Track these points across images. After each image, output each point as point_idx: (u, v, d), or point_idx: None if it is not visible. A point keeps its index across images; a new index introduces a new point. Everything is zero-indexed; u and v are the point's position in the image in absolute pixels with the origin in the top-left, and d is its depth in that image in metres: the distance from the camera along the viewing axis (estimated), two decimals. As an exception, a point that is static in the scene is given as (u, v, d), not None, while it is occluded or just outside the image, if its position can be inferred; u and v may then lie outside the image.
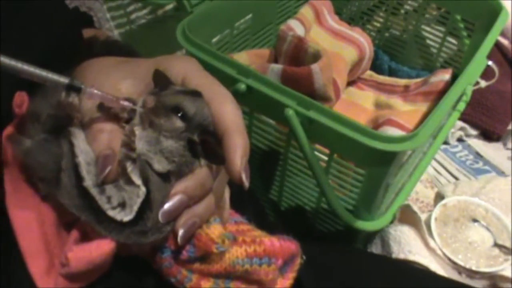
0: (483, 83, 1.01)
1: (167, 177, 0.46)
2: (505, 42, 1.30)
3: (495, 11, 0.98)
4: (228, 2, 0.95)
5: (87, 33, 0.67)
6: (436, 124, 0.74)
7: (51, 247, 0.47)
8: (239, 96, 0.76)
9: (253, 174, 0.88)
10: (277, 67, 0.90)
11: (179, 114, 0.46)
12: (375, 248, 0.85)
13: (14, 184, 0.47)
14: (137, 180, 0.45)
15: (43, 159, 0.46)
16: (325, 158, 0.78)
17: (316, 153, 0.77)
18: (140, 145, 0.46)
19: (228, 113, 0.47)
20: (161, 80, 0.49)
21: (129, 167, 0.45)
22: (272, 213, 0.92)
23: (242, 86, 0.76)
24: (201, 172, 0.47)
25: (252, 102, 0.79)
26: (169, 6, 1.09)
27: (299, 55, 0.94)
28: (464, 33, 1.11)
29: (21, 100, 0.49)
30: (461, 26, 1.11)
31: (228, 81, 0.76)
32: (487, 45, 0.89)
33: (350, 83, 1.15)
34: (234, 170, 0.45)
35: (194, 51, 0.80)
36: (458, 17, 1.10)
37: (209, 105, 0.47)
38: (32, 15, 0.56)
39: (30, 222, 0.46)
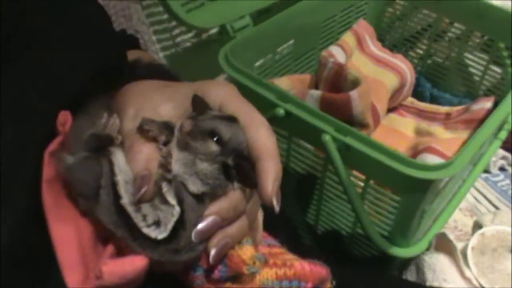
0: (525, 112, 1.00)
1: (201, 199, 0.48)
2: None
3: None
4: (271, 28, 0.97)
5: (133, 54, 0.69)
6: (473, 152, 0.74)
7: (87, 260, 0.48)
8: (277, 121, 0.78)
9: (290, 197, 0.91)
10: (316, 93, 0.91)
11: (215, 139, 0.48)
12: (410, 275, 0.85)
13: (55, 198, 0.49)
14: (172, 200, 0.47)
15: (84, 176, 0.48)
16: (361, 184, 0.78)
17: (352, 178, 0.78)
18: (177, 166, 0.48)
19: (262, 138, 0.49)
20: (199, 105, 0.51)
21: (165, 187, 0.47)
22: (309, 236, 0.93)
23: (281, 111, 0.77)
24: (234, 195, 0.49)
25: (290, 126, 0.81)
26: (213, 30, 1.12)
27: (339, 82, 0.95)
28: (508, 61, 1.11)
29: (64, 119, 0.51)
30: (504, 54, 1.11)
31: (267, 106, 0.78)
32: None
33: (391, 110, 1.16)
34: (265, 194, 0.47)
35: (235, 75, 0.82)
36: (502, 45, 1.10)
37: (245, 130, 0.49)
38: (76, 36, 0.59)
39: (68, 235, 0.48)
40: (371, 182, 0.78)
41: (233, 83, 0.85)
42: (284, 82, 0.99)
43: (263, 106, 0.78)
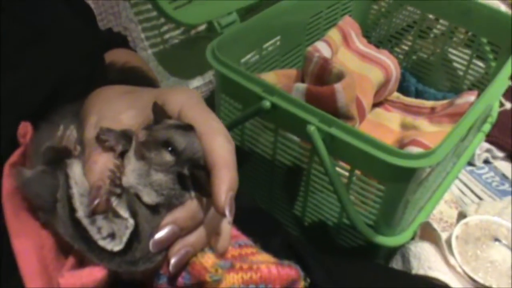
0: (508, 105, 1.02)
1: (156, 209, 0.48)
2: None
3: (520, 34, 1.00)
4: (257, 24, 0.98)
5: (113, 54, 0.70)
6: (454, 143, 0.76)
7: (49, 270, 0.49)
8: (264, 113, 0.80)
9: (277, 189, 0.92)
10: (302, 86, 0.93)
11: (169, 149, 0.48)
12: (396, 264, 0.87)
13: (16, 210, 0.50)
14: (124, 213, 0.47)
15: (40, 190, 0.49)
16: (346, 174, 0.80)
17: (338, 169, 0.79)
18: (132, 177, 0.48)
19: (218, 147, 0.48)
20: (157, 113, 0.50)
21: (114, 201, 0.47)
22: (296, 227, 0.95)
23: (267, 104, 0.79)
24: (191, 204, 0.49)
25: (276, 119, 0.82)
26: (202, 27, 1.13)
27: (323, 75, 0.97)
28: (491, 56, 1.13)
29: (25, 131, 0.52)
30: (487, 49, 1.13)
31: (254, 99, 0.80)
32: (509, 66, 0.90)
33: (377, 105, 1.17)
34: (218, 204, 0.46)
35: (222, 70, 0.83)
36: (485, 40, 1.12)
37: (201, 139, 0.48)
38: (45, 42, 0.59)
39: (29, 247, 0.48)
40: (356, 172, 0.79)
41: (220, 78, 0.87)
42: (270, 77, 1.00)
43: (250, 99, 0.81)
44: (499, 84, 0.89)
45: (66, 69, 0.60)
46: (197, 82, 1.20)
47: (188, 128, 0.49)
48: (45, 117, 0.54)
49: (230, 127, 0.88)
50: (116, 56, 0.72)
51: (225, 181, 0.46)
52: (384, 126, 1.13)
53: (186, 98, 0.52)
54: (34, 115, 0.54)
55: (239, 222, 0.56)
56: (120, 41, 0.84)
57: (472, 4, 1.10)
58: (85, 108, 0.54)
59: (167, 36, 1.12)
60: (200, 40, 1.14)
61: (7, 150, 0.52)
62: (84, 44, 0.65)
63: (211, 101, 0.94)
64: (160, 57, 1.12)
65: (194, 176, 0.48)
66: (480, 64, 1.16)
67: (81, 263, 0.49)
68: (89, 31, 0.70)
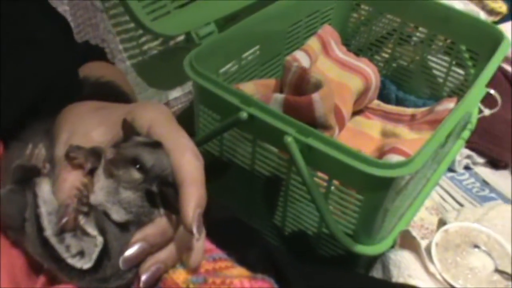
0: (487, 112, 1.03)
1: (125, 227, 0.48)
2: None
3: (497, 40, 1.00)
4: (236, 34, 0.98)
5: (89, 67, 0.69)
6: (433, 150, 0.76)
7: None
8: (242, 124, 0.80)
9: (256, 199, 0.92)
10: (280, 96, 0.93)
11: (137, 166, 0.48)
12: (376, 273, 0.87)
13: None
14: (92, 231, 0.47)
15: (9, 209, 0.49)
16: (325, 184, 0.80)
17: (316, 179, 0.79)
18: (100, 195, 0.48)
19: (186, 164, 0.48)
20: (126, 130, 0.51)
21: (82, 219, 0.47)
22: (276, 237, 0.94)
23: (244, 115, 0.79)
24: (161, 221, 0.49)
25: (254, 130, 0.82)
26: (180, 38, 1.13)
27: (301, 85, 0.97)
28: (470, 63, 1.13)
29: None
30: (466, 56, 1.13)
31: (231, 110, 0.80)
32: (486, 73, 0.91)
33: (357, 112, 1.18)
34: (185, 221, 0.47)
35: (200, 81, 0.83)
36: (464, 48, 1.13)
37: (169, 155, 0.49)
38: (30, 53, 0.59)
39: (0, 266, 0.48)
40: (334, 182, 0.79)
41: (198, 89, 0.87)
42: (248, 87, 1.00)
43: (227, 110, 0.81)
44: (477, 91, 0.89)
45: (37, 85, 0.59)
46: (176, 93, 1.19)
47: (156, 145, 0.49)
48: (15, 136, 0.54)
49: (208, 138, 0.88)
50: (91, 70, 0.72)
51: (193, 199, 0.47)
52: (365, 134, 1.13)
53: (156, 115, 0.52)
54: (6, 132, 0.54)
55: (217, 233, 0.57)
56: (98, 53, 0.83)
57: (451, 11, 1.11)
58: (57, 124, 0.54)
59: (145, 47, 1.12)
60: (179, 51, 1.14)
61: None
62: (59, 58, 0.65)
63: (191, 112, 0.94)
64: (139, 69, 1.12)
65: (163, 193, 0.48)
66: (460, 71, 1.16)
67: (52, 282, 0.49)
68: (64, 44, 0.70)
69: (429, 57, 1.21)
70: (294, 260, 0.74)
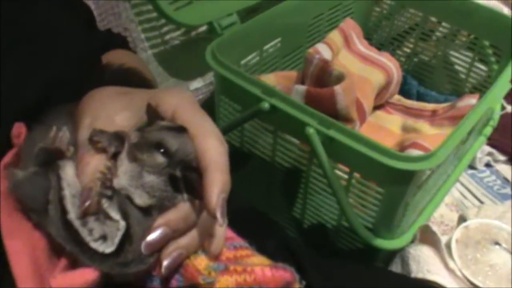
0: (509, 108, 1.02)
1: (148, 211, 0.48)
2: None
3: (521, 37, 1.00)
4: (258, 25, 0.98)
5: (112, 54, 0.69)
6: (454, 145, 0.75)
7: (42, 271, 0.48)
8: (263, 115, 0.79)
9: (276, 191, 0.91)
10: (302, 88, 0.93)
11: (161, 150, 0.48)
12: (395, 268, 0.86)
13: (9, 211, 0.50)
14: (115, 215, 0.47)
15: (32, 191, 0.49)
16: (345, 176, 0.79)
17: (337, 171, 0.79)
18: (124, 179, 0.48)
19: (210, 149, 0.47)
20: (150, 115, 0.50)
21: (105, 203, 0.47)
22: (295, 230, 0.94)
23: (266, 105, 0.78)
24: (184, 206, 0.49)
25: (275, 120, 0.82)
26: (202, 28, 1.13)
27: (323, 77, 0.97)
28: (493, 59, 1.12)
29: (18, 131, 0.52)
30: (489, 52, 1.12)
31: (253, 100, 0.79)
32: (510, 69, 0.90)
33: (378, 107, 1.17)
34: (209, 206, 0.46)
35: (222, 71, 0.83)
36: (487, 43, 1.12)
37: (194, 140, 0.48)
38: (43, 41, 0.59)
39: (21, 248, 0.48)
40: (355, 174, 0.79)
41: (219, 79, 0.87)
42: (269, 79, 1.00)
43: (249, 101, 0.81)
44: (500, 87, 0.88)
45: (57, 70, 0.59)
46: (197, 83, 1.19)
47: (180, 129, 0.49)
48: (38, 119, 0.53)
49: (229, 128, 0.88)
50: (114, 57, 0.72)
51: (217, 184, 0.46)
52: (385, 128, 1.13)
53: (180, 100, 0.51)
54: (28, 116, 0.54)
55: (236, 223, 0.56)
56: (120, 42, 0.83)
57: (474, 6, 1.10)
58: (79, 109, 0.54)
59: (167, 37, 1.12)
60: (201, 41, 1.14)
61: (1, 150, 0.52)
62: (79, 45, 0.65)
63: (211, 103, 0.94)
64: (160, 58, 1.12)
65: (186, 178, 0.48)
66: (482, 67, 1.15)
67: (73, 265, 0.49)
68: (85, 32, 0.70)
69: (452, 52, 1.20)
70: (312, 252, 0.74)
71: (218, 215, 0.46)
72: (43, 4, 0.63)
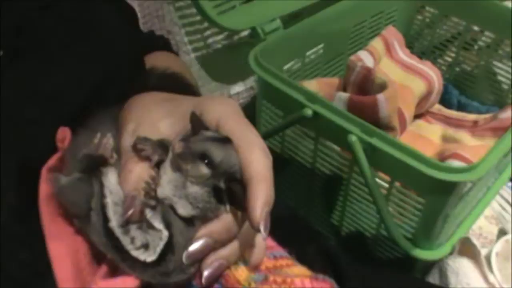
0: (554, 121, 1.00)
1: (191, 222, 0.48)
2: None
3: None
4: (300, 31, 0.98)
5: (156, 57, 0.70)
6: (497, 157, 0.75)
7: (83, 275, 0.49)
8: (305, 121, 0.80)
9: (315, 197, 0.91)
10: (344, 95, 0.93)
11: (206, 161, 0.47)
12: (433, 279, 0.86)
13: (52, 214, 0.50)
14: (158, 225, 0.47)
15: (75, 198, 0.49)
16: (386, 185, 0.79)
17: (378, 180, 0.79)
18: (167, 189, 0.48)
19: (254, 161, 0.47)
20: (195, 124, 0.50)
21: (149, 213, 0.47)
22: (333, 237, 0.94)
23: (308, 112, 0.79)
24: (227, 217, 0.48)
25: (317, 127, 0.82)
26: (245, 33, 1.13)
27: (366, 85, 0.96)
28: (536, 70, 1.11)
29: (63, 135, 0.53)
30: (533, 62, 1.11)
31: (296, 107, 0.80)
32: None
33: (418, 116, 1.16)
34: (253, 219, 0.45)
35: (265, 76, 0.83)
36: (532, 54, 1.10)
37: (238, 152, 0.48)
38: (85, 45, 0.59)
39: (63, 251, 0.49)
40: (396, 183, 0.79)
41: (262, 84, 0.87)
42: (312, 85, 1.00)
43: (292, 106, 0.81)
44: (545, 100, 0.87)
45: (106, 70, 0.60)
46: (238, 87, 1.20)
47: (225, 140, 0.48)
48: (83, 123, 0.54)
49: (270, 134, 0.88)
50: (157, 60, 0.72)
51: (261, 196, 0.46)
52: (425, 138, 1.12)
53: (225, 109, 0.51)
54: (73, 119, 0.54)
55: (276, 229, 0.56)
56: (162, 43, 0.84)
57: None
58: (123, 113, 0.54)
59: (210, 40, 1.13)
60: (243, 46, 1.14)
61: (46, 153, 0.53)
62: (126, 46, 0.65)
63: (252, 108, 0.94)
64: (202, 62, 1.13)
65: (230, 189, 0.48)
66: (526, 78, 1.14)
67: (114, 272, 0.49)
68: (132, 33, 0.71)
69: (495, 62, 1.18)
70: (351, 259, 0.74)
71: (262, 228, 0.45)
72: (95, 3, 0.63)
